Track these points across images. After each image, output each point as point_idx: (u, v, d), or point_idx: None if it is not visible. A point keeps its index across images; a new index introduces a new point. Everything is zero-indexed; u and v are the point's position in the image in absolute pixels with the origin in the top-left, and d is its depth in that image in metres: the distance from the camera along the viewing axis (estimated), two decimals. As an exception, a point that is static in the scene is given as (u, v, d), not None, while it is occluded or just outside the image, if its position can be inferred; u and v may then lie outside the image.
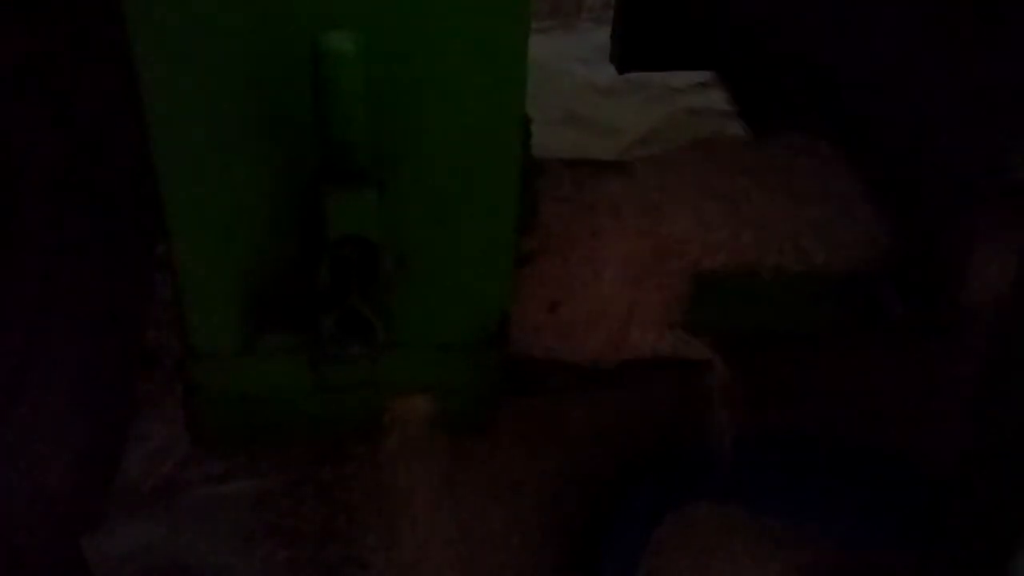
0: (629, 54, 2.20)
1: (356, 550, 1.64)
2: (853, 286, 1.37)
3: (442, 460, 1.38)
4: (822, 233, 1.38)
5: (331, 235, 0.99)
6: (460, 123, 1.01)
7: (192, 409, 1.18)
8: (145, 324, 1.78)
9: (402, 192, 1.03)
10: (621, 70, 2.27)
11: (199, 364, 1.13)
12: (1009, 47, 1.16)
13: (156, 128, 0.96)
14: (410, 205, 1.05)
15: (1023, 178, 1.16)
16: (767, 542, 1.49)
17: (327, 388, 1.18)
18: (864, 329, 1.39)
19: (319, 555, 1.66)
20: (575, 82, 2.99)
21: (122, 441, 1.74)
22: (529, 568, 1.53)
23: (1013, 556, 1.02)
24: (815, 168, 1.46)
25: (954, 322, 1.29)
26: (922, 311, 1.31)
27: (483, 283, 1.14)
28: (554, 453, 1.56)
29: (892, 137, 1.40)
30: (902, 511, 1.42)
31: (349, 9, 0.90)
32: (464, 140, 1.03)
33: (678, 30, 2.03)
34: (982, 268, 1.24)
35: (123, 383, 1.75)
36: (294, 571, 1.64)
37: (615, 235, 1.34)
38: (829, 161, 1.48)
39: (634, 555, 1.47)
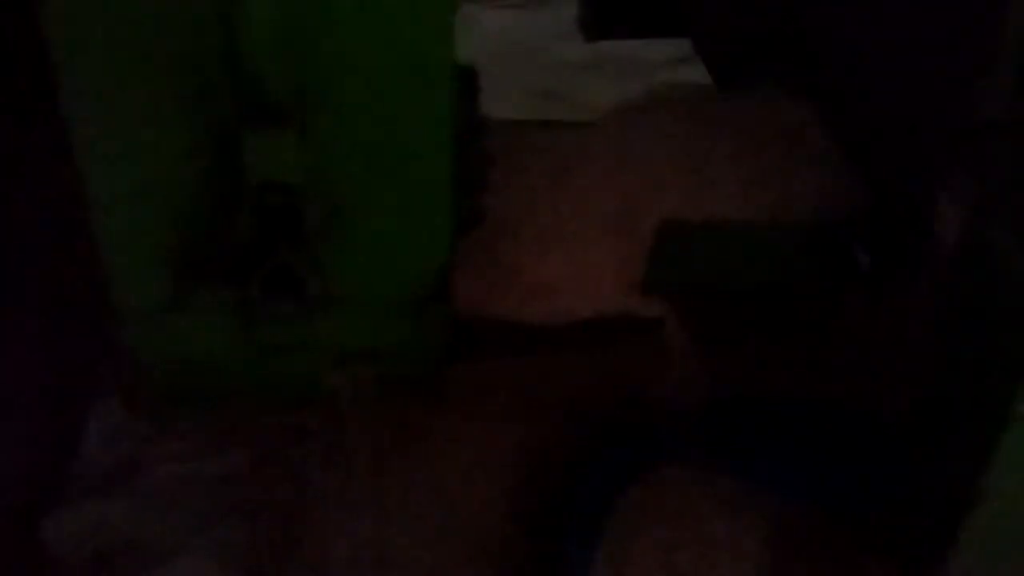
0: (596, 22, 2.17)
1: (317, 527, 1.60)
2: (821, 237, 1.34)
3: (396, 432, 1.34)
4: (788, 185, 1.35)
5: (251, 181, 0.95)
6: (384, 63, 0.97)
7: (130, 381, 1.14)
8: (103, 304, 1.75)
9: (327, 136, 0.99)
10: (588, 38, 2.24)
11: (126, 321, 1.08)
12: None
13: (65, 78, 0.92)
14: (336, 151, 1.01)
15: (989, 115, 1.12)
16: (735, 501, 1.45)
17: (263, 349, 1.13)
18: (834, 279, 1.35)
19: (279, 534, 1.62)
20: (550, 58, 2.95)
21: (81, 422, 1.71)
22: (495, 536, 1.49)
23: (970, 505, 0.98)
24: (781, 121, 1.42)
25: (921, 270, 1.25)
26: (889, 261, 1.27)
27: (419, 236, 1.10)
28: (515, 418, 1.51)
29: (859, 88, 1.36)
30: (866, 467, 1.39)
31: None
32: (389, 82, 0.98)
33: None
34: (946, 216, 1.20)
35: (82, 364, 1.72)
36: (253, 549, 1.60)
37: (572, 194, 1.30)
38: (796, 114, 1.44)
39: (598, 521, 1.43)
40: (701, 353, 1.33)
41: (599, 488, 1.47)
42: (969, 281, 1.02)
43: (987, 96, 1.10)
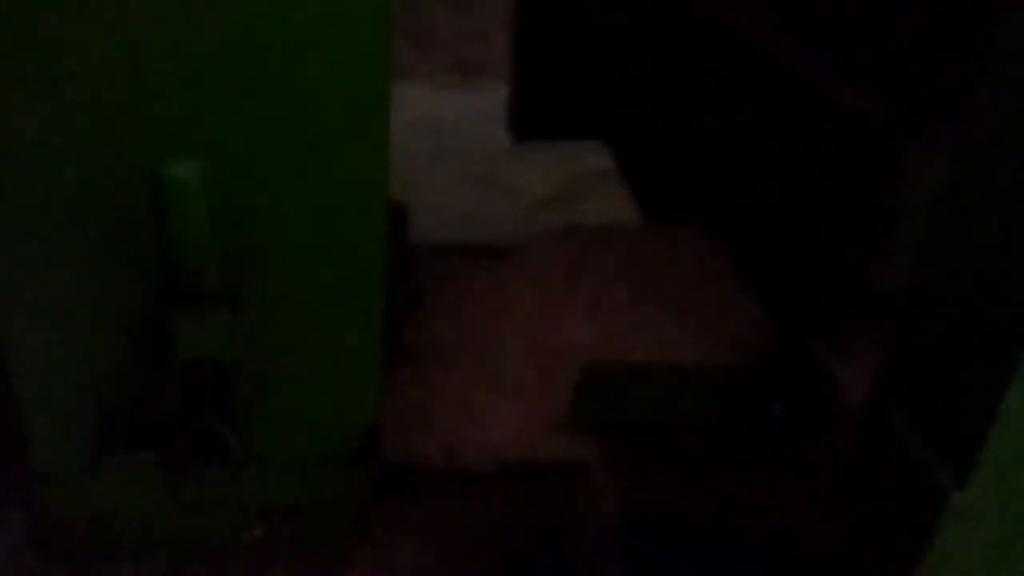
0: (524, 125, 2.22)
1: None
2: (734, 383, 1.38)
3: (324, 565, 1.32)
4: (706, 331, 1.39)
5: (179, 358, 0.94)
6: (315, 241, 0.98)
7: (38, 528, 1.10)
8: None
9: (255, 312, 0.99)
10: (518, 138, 2.29)
11: (44, 484, 1.05)
12: (869, 171, 1.20)
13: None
14: (265, 325, 1.01)
15: (884, 289, 1.19)
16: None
17: (184, 506, 1.11)
18: (747, 424, 1.40)
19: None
20: (479, 141, 2.98)
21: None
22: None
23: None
24: (703, 263, 1.47)
25: (826, 422, 1.30)
26: (798, 411, 1.33)
27: (345, 397, 1.10)
28: (442, 561, 1.50)
29: (772, 244, 1.43)
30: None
31: (189, 136, 0.86)
32: (321, 257, 0.99)
33: (570, 102, 2.06)
34: (851, 373, 1.26)
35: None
36: None
37: (499, 336, 1.32)
38: (715, 259, 1.49)
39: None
40: (624, 487, 1.35)
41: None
42: (869, 458, 1.08)
43: (882, 272, 1.18)
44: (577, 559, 1.49)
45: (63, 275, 0.94)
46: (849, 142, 1.22)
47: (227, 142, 0.88)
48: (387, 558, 1.39)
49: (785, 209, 1.37)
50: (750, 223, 1.48)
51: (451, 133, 2.90)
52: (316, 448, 1.12)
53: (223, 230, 0.90)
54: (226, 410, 0.99)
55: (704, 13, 1.58)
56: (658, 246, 1.52)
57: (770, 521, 1.48)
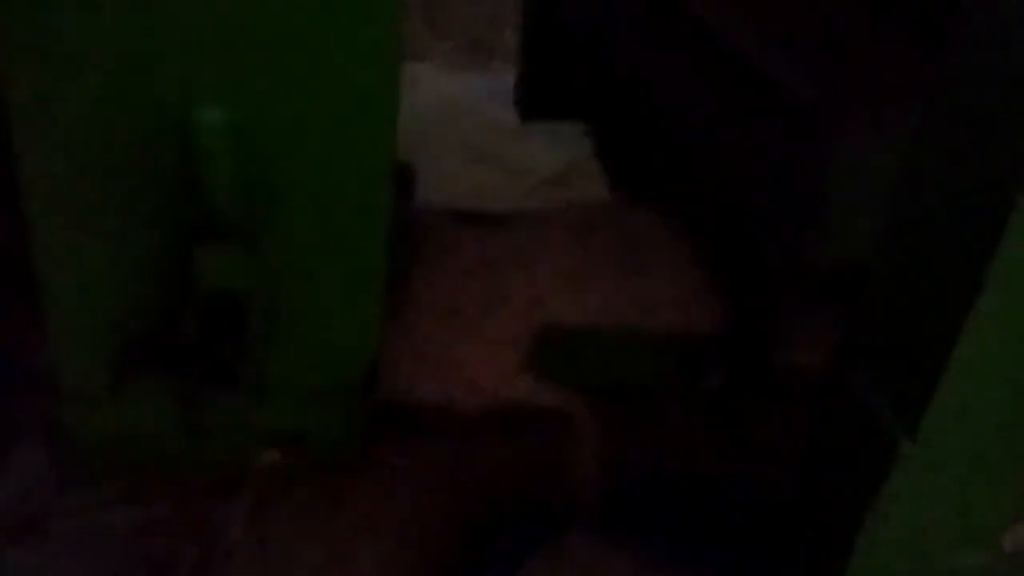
0: (530, 104, 2.31)
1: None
2: (681, 350, 1.48)
3: (313, 505, 1.41)
4: (655, 299, 1.50)
5: (200, 289, 1.03)
6: (328, 183, 1.07)
7: (61, 445, 1.19)
8: (30, 351, 1.77)
9: (271, 248, 1.07)
10: (524, 116, 2.38)
11: (68, 403, 1.14)
12: (804, 151, 1.29)
13: (29, 177, 0.98)
14: (280, 259, 1.09)
15: (814, 261, 1.28)
16: (630, 568, 1.56)
17: (196, 431, 1.20)
18: (688, 388, 1.50)
19: (192, 585, 1.65)
20: (486, 121, 3.07)
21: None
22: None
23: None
24: (661, 236, 1.58)
25: (767, 386, 1.40)
26: (739, 376, 1.42)
27: (350, 334, 1.19)
28: (432, 494, 1.60)
29: (723, 218, 1.53)
30: (744, 542, 1.51)
31: (217, 85, 0.95)
32: (331, 201, 1.08)
33: (570, 85, 2.15)
34: (790, 339, 1.35)
35: (3, 412, 1.73)
36: (165, 602, 1.63)
37: (484, 291, 1.42)
38: (673, 230, 1.60)
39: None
40: (604, 439, 1.45)
41: (507, 559, 1.56)
42: (829, 417, 1.16)
43: (815, 246, 1.27)
44: (557, 513, 1.58)
45: (96, 210, 1.03)
46: (786, 122, 1.32)
47: (251, 91, 0.96)
48: (382, 491, 1.49)
49: (731, 188, 1.47)
50: (703, 201, 1.58)
51: (460, 112, 2.98)
52: (321, 380, 1.21)
53: (244, 172, 0.99)
54: (240, 341, 1.08)
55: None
56: (619, 222, 1.63)
57: (729, 475, 1.58)
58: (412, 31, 3.20)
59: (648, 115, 1.79)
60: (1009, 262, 0.92)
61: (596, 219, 1.60)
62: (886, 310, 1.11)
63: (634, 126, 1.88)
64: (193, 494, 1.69)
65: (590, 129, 2.28)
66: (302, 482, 1.38)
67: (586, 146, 2.42)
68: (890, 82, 1.16)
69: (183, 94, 0.94)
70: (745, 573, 1.48)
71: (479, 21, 3.52)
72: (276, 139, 1.00)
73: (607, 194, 2.07)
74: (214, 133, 0.93)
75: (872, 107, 1.18)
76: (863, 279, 1.13)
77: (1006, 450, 1.06)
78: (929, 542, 1.13)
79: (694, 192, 1.60)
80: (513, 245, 1.50)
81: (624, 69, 1.92)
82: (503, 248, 1.50)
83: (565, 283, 1.46)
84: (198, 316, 1.04)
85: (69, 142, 0.97)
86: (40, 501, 1.75)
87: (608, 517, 1.56)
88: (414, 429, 1.47)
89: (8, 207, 1.17)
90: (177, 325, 1.05)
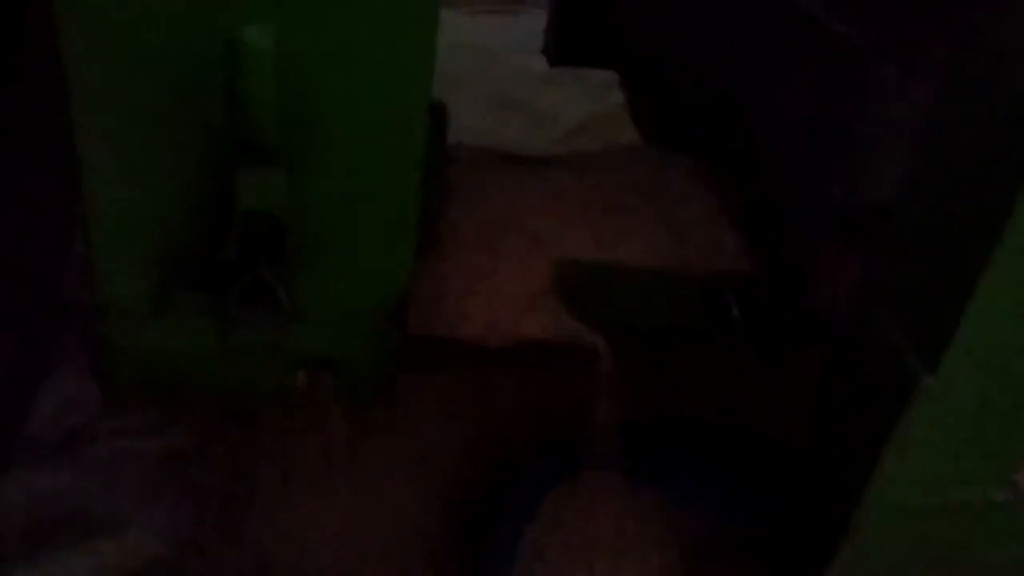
0: (559, 49, 2.31)
1: (258, 510, 1.70)
2: (706, 289, 1.50)
3: (344, 430, 1.46)
4: (685, 239, 1.51)
5: (241, 209, 1.06)
6: (367, 111, 1.09)
7: (101, 363, 1.23)
8: (61, 278, 1.81)
9: (311, 172, 1.10)
10: (552, 63, 2.38)
11: (109, 319, 1.18)
12: (842, 94, 1.30)
13: (79, 99, 1.01)
14: (318, 185, 1.12)
15: (846, 203, 1.29)
16: (646, 507, 1.60)
17: (234, 352, 1.24)
18: (710, 330, 1.52)
19: (222, 513, 1.71)
20: (516, 68, 3.07)
21: (34, 391, 1.77)
22: (426, 528, 1.61)
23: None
24: (690, 181, 1.59)
25: (797, 327, 1.42)
26: (764, 318, 1.44)
27: (385, 260, 1.22)
28: (455, 424, 1.64)
29: (753, 163, 1.54)
30: (760, 486, 1.55)
31: (266, 5, 0.97)
32: (371, 126, 1.10)
33: (602, 31, 2.14)
34: (818, 283, 1.37)
35: (38, 334, 1.77)
36: (196, 526, 1.68)
37: (512, 229, 1.44)
38: (703, 179, 1.61)
39: (523, 521, 1.57)
40: (626, 378, 1.48)
41: (526, 490, 1.61)
42: (851, 355, 1.19)
43: (849, 188, 1.28)
44: (577, 450, 1.62)
45: (142, 131, 1.05)
46: (821, 61, 1.32)
47: (299, 12, 0.98)
48: (406, 423, 1.53)
49: (763, 130, 1.48)
50: (734, 145, 1.59)
51: (487, 58, 2.99)
52: (355, 306, 1.24)
53: (287, 95, 1.01)
54: (278, 264, 1.11)
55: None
56: (648, 167, 1.64)
57: (752, 419, 1.61)
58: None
59: (680, 61, 1.80)
60: (1036, 197, 0.94)
61: (626, 164, 1.62)
62: (911, 244, 1.12)
63: (666, 73, 1.89)
64: (225, 422, 1.74)
65: (620, 78, 2.29)
66: (331, 408, 1.43)
67: (617, 96, 2.43)
68: (930, 24, 1.17)
69: (232, 13, 0.96)
70: (760, 515, 1.52)
71: (509, -34, 3.50)
72: (321, 63, 1.02)
73: (638, 142, 2.09)
74: (261, 54, 0.95)
75: (910, 47, 1.18)
76: (889, 217, 1.15)
77: (1025, 387, 1.09)
78: (944, 478, 1.16)
79: (726, 136, 1.61)
80: (543, 185, 1.51)
81: (657, 14, 1.92)
82: (533, 188, 1.52)
83: (593, 224, 1.48)
84: (238, 237, 1.06)
85: (117, 62, 0.99)
86: (74, 426, 1.81)
87: (625, 456, 1.60)
88: (439, 362, 1.50)
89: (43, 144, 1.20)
90: (219, 246, 1.08)
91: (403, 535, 1.61)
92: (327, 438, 1.48)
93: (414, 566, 1.59)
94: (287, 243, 1.10)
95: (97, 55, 0.98)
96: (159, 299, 1.16)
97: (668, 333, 1.53)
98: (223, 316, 1.17)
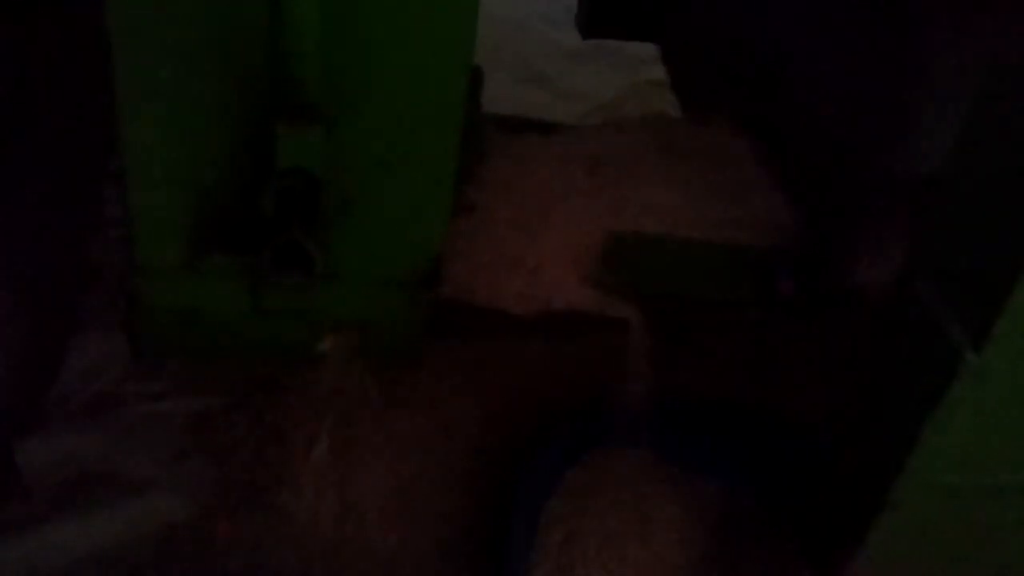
0: (593, 21, 2.27)
1: (286, 475, 1.70)
2: (754, 262, 1.48)
3: (372, 395, 1.45)
4: (727, 211, 1.49)
5: (278, 167, 1.04)
6: (409, 71, 1.07)
7: (133, 320, 1.23)
8: (91, 239, 1.81)
9: (350, 133, 1.09)
10: (585, 36, 2.34)
11: (144, 277, 1.18)
12: (896, 63, 1.26)
13: (118, 54, 1.00)
14: (357, 146, 1.11)
15: (898, 174, 1.26)
16: (671, 483, 1.59)
17: (265, 312, 1.23)
18: (760, 302, 1.49)
19: (248, 476, 1.71)
20: (544, 42, 3.03)
21: (62, 353, 1.77)
22: (449, 499, 1.61)
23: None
24: (734, 153, 1.56)
25: (841, 301, 1.39)
26: (814, 290, 1.42)
27: (420, 225, 1.20)
28: (481, 393, 1.63)
29: (800, 134, 1.50)
30: (788, 465, 1.53)
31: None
32: (412, 87, 1.08)
33: (636, 4, 2.11)
34: (869, 254, 1.34)
35: (66, 296, 1.77)
36: (222, 489, 1.69)
37: (546, 199, 1.42)
38: (746, 147, 1.58)
39: (546, 494, 1.56)
40: (657, 353, 1.46)
41: (549, 463, 1.60)
42: (894, 326, 1.16)
43: (917, 153, 1.25)
44: (602, 423, 1.61)
45: (181, 82, 1.04)
46: (876, 32, 1.28)
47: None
48: (434, 389, 1.52)
49: (813, 100, 1.45)
50: (781, 118, 1.56)
51: (517, 31, 2.95)
52: (387, 270, 1.23)
53: (329, 49, 0.99)
54: (312, 224, 1.10)
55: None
56: (691, 136, 1.61)
57: (787, 398, 1.58)
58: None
59: (722, 33, 1.76)
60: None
61: (665, 134, 1.59)
62: (959, 219, 1.10)
63: (708, 45, 1.85)
64: (252, 386, 1.74)
65: (657, 52, 2.25)
66: (356, 373, 1.42)
67: (657, 70, 2.39)
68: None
69: None
70: (790, 495, 1.51)
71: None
72: (364, 20, 1.01)
73: (678, 115, 2.05)
74: (305, 4, 0.94)
75: (966, 15, 1.15)
76: (937, 190, 1.12)
77: (1071, 369, 1.06)
78: (984, 458, 1.14)
79: (771, 107, 1.58)
80: (579, 154, 1.49)
81: None
82: (569, 157, 1.50)
83: (631, 194, 1.45)
84: (274, 194, 1.05)
85: (158, 9, 0.98)
86: (102, 388, 1.81)
87: (655, 432, 1.58)
88: (470, 330, 1.49)
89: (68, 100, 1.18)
90: (254, 203, 1.06)
91: (425, 507, 1.60)
92: (353, 403, 1.48)
93: (436, 537, 1.58)
94: (323, 202, 1.09)
95: (137, 3, 0.97)
96: (192, 256, 1.16)
97: (717, 306, 1.50)
98: (256, 276, 1.16)
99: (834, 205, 1.40)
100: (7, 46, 1.39)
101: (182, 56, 1.01)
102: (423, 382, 1.53)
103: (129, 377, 1.83)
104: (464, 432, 1.63)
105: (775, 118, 1.57)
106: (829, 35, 1.42)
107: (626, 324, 1.41)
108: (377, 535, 1.56)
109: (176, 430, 1.76)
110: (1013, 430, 1.11)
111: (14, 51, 1.39)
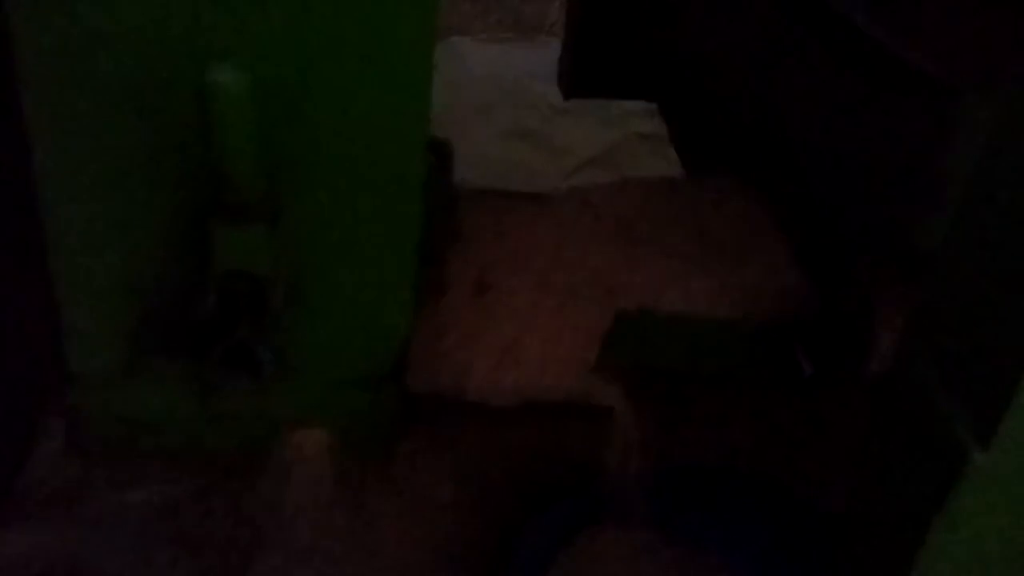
0: (575, 80, 2.22)
1: (260, 563, 1.63)
2: (766, 339, 1.39)
3: (341, 487, 1.37)
4: (739, 284, 1.40)
5: (218, 269, 0.97)
6: (356, 157, 1.00)
7: (73, 428, 1.15)
8: (54, 330, 1.75)
9: (296, 225, 1.01)
10: (567, 95, 2.29)
11: (79, 385, 1.10)
12: (920, 130, 1.19)
13: (39, 148, 0.93)
14: (305, 238, 1.03)
15: (924, 250, 1.18)
16: (671, 565, 1.51)
17: (216, 416, 1.16)
18: (776, 381, 1.41)
19: (222, 565, 1.64)
20: (530, 97, 2.99)
21: (26, 447, 1.71)
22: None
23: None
24: (740, 218, 1.48)
25: (856, 382, 1.31)
26: (829, 370, 1.33)
27: (380, 318, 1.13)
28: (459, 482, 1.55)
29: (812, 202, 1.42)
30: (797, 545, 1.45)
31: (238, 42, 0.88)
32: (361, 175, 1.01)
33: (625, 61, 2.04)
34: (883, 333, 1.25)
35: (34, 380, 1.72)
36: (195, 578, 1.62)
37: (526, 275, 1.34)
38: (754, 211, 1.49)
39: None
40: (648, 434, 1.38)
41: (540, 545, 1.52)
42: (894, 409, 1.08)
43: (924, 233, 1.17)
44: (596, 500, 1.53)
45: (109, 180, 0.97)
46: (902, 100, 1.21)
47: (277, 53, 0.89)
48: (407, 483, 1.45)
49: (830, 169, 1.37)
50: (795, 182, 1.47)
51: (501, 87, 2.90)
52: (347, 367, 1.15)
53: (267, 142, 0.92)
54: (260, 324, 1.02)
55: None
56: (698, 200, 1.52)
57: (790, 476, 1.50)
58: (453, 2, 3.12)
59: (728, 90, 1.68)
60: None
61: (658, 197, 1.50)
62: (960, 299, 1.01)
63: (708, 104, 1.77)
64: (217, 473, 1.67)
65: (654, 108, 2.18)
66: (324, 466, 1.34)
67: (654, 124, 2.32)
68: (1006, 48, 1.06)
69: (202, 51, 0.87)
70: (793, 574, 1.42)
71: (525, -8, 3.44)
72: (302, 107, 0.94)
73: (674, 173, 1.97)
74: (231, 96, 0.86)
75: (987, 74, 1.08)
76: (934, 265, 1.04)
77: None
78: (996, 560, 1.05)
79: (785, 173, 1.49)
80: (560, 224, 1.41)
81: (697, 41, 1.81)
82: (549, 228, 1.42)
83: (620, 267, 1.37)
84: (216, 297, 0.98)
85: (80, 112, 0.91)
86: (71, 474, 1.74)
87: (649, 508, 1.51)
88: (443, 420, 1.42)
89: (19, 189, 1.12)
90: (194, 307, 0.99)
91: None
92: (322, 497, 1.40)
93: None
94: (269, 302, 1.01)
95: (57, 107, 0.90)
96: (131, 363, 1.08)
97: (725, 383, 1.42)
98: (202, 380, 1.08)
99: (850, 279, 1.31)
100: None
101: (109, 152, 0.94)
102: (396, 472, 1.45)
103: (98, 463, 1.76)
104: (444, 520, 1.56)
105: (789, 184, 1.48)
106: (841, 92, 1.33)
107: (610, 411, 1.33)
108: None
109: (147, 519, 1.69)
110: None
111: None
